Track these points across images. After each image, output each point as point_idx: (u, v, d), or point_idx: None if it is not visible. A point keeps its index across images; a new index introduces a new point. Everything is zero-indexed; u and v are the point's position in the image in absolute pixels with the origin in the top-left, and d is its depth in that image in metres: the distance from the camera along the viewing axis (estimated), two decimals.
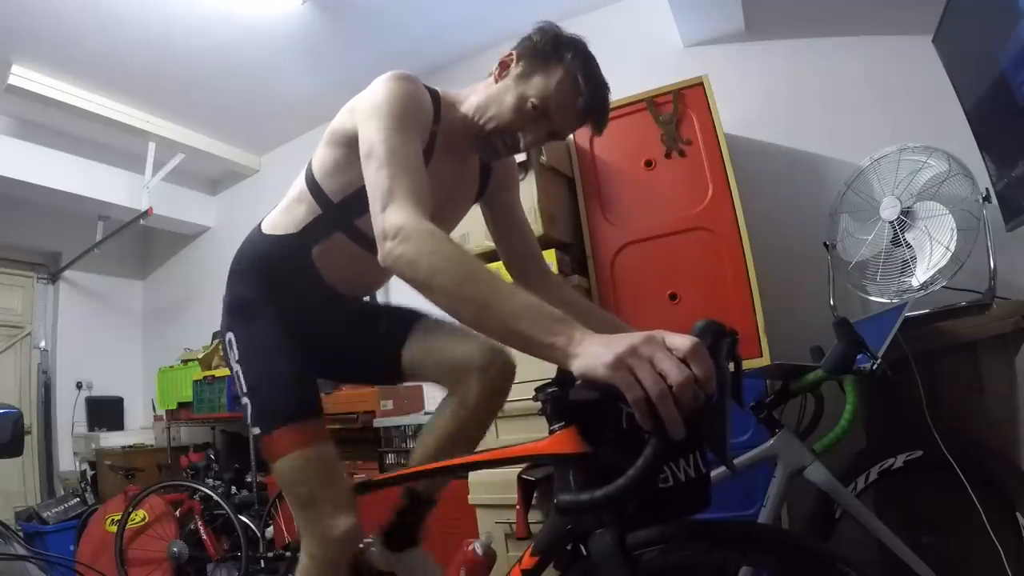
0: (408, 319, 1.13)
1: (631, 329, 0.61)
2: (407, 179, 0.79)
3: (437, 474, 0.97)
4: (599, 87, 0.97)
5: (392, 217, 0.75)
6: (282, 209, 1.09)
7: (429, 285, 0.71)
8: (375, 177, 0.81)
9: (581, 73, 0.95)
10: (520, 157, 1.84)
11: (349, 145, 0.94)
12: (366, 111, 0.89)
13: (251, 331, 1.03)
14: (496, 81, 1.01)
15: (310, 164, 1.06)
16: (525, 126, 0.98)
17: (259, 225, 1.11)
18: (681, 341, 0.57)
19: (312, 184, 1.04)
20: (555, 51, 0.96)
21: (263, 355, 1.01)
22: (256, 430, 0.97)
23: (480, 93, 1.02)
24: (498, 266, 1.18)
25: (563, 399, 0.69)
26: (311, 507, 0.93)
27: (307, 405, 0.99)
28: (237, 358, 1.02)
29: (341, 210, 1.02)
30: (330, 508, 0.92)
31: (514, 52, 0.99)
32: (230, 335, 1.04)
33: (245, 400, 1.00)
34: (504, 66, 1.00)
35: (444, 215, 1.07)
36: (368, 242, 1.02)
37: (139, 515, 2.73)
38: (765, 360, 1.72)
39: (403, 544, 1.07)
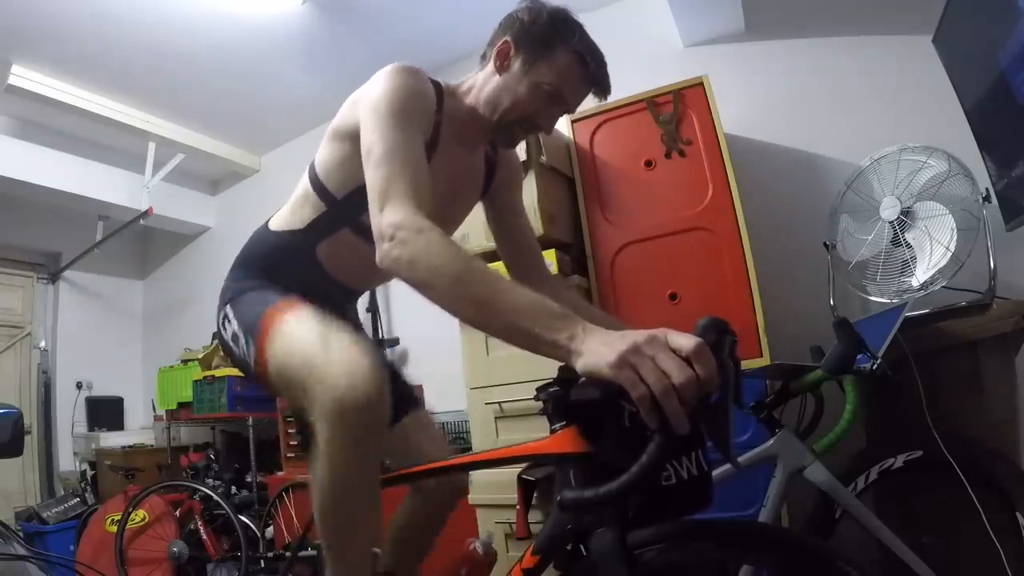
0: (403, 405, 1.12)
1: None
2: (405, 177, 0.78)
3: (438, 473, 0.97)
4: (601, 58, 1.00)
5: (389, 217, 0.74)
6: (288, 208, 1.09)
7: (429, 285, 0.70)
8: (373, 176, 0.80)
9: (585, 50, 0.97)
10: (520, 156, 1.85)
11: (352, 139, 0.93)
12: (366, 105, 0.88)
13: (246, 296, 1.02)
14: (498, 72, 1.00)
15: (313, 162, 1.06)
16: (542, 110, 1.00)
17: (266, 223, 1.12)
18: (685, 341, 0.56)
19: (315, 181, 1.03)
20: (555, 32, 0.97)
21: (255, 294, 1.00)
22: (252, 349, 0.90)
23: (487, 86, 1.01)
24: (498, 266, 1.18)
25: (564, 399, 0.69)
26: (312, 368, 0.77)
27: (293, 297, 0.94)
28: (232, 318, 0.99)
29: (345, 206, 1.01)
30: (336, 360, 0.76)
31: (509, 39, 0.99)
32: (227, 308, 1.02)
33: (244, 341, 0.94)
34: (503, 55, 1.00)
35: (451, 209, 1.07)
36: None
37: (139, 515, 2.72)
38: (765, 360, 1.72)
39: None
